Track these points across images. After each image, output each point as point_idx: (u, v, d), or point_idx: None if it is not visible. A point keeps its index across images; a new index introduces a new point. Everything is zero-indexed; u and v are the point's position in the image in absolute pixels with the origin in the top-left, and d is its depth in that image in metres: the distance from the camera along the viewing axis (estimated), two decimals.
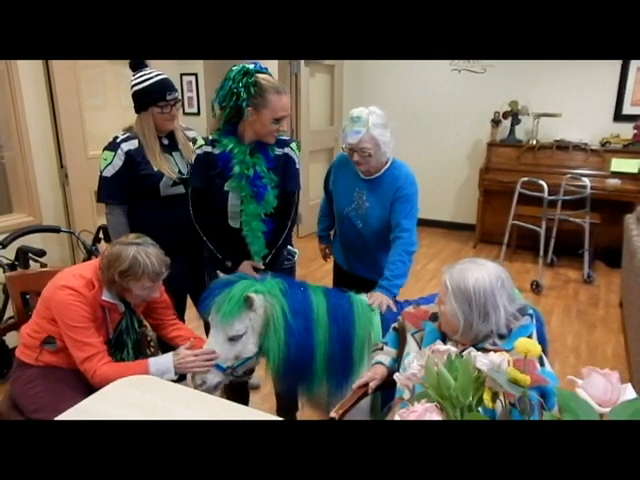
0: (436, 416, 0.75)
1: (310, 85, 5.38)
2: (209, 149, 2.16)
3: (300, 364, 1.89)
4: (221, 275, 2.08)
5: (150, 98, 2.26)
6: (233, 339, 1.88)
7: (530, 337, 1.55)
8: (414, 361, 0.93)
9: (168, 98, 2.28)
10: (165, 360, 1.92)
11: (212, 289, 1.93)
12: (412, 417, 0.74)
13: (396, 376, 0.99)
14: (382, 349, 1.84)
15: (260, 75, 2.03)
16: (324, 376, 1.93)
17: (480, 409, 0.83)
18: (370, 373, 1.76)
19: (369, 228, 2.35)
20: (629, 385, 0.82)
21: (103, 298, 1.91)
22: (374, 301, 2.05)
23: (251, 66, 2.04)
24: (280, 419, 1.48)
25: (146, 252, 1.86)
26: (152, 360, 1.93)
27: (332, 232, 2.77)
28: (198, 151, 2.18)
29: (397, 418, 0.78)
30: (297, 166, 2.23)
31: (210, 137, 2.19)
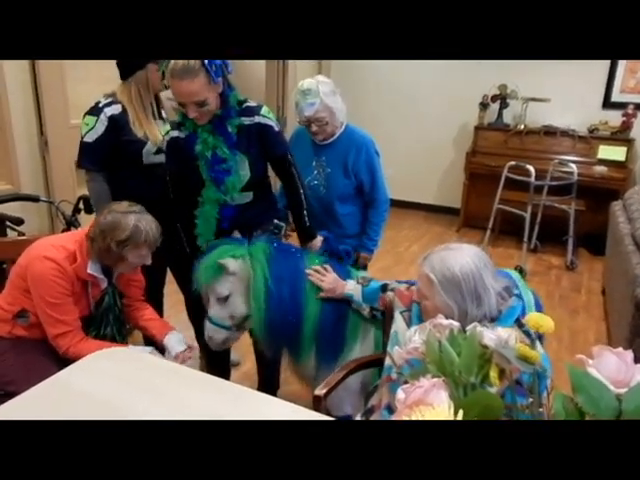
0: (443, 392, 0.71)
1: (297, 67, 5.24)
2: (176, 134, 2.09)
3: (284, 331, 1.88)
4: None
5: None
6: (221, 300, 1.92)
7: (519, 318, 1.54)
8: (415, 334, 0.89)
9: None
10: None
11: (204, 253, 1.98)
12: (419, 392, 0.70)
13: (396, 349, 0.95)
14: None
15: None
16: (311, 349, 1.93)
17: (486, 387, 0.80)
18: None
19: (333, 191, 2.44)
20: None
21: (89, 271, 1.85)
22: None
23: None
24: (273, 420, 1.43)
25: (146, 220, 1.85)
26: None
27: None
28: (167, 138, 2.13)
29: (400, 393, 0.74)
30: (276, 129, 2.09)
31: (176, 120, 2.12)
